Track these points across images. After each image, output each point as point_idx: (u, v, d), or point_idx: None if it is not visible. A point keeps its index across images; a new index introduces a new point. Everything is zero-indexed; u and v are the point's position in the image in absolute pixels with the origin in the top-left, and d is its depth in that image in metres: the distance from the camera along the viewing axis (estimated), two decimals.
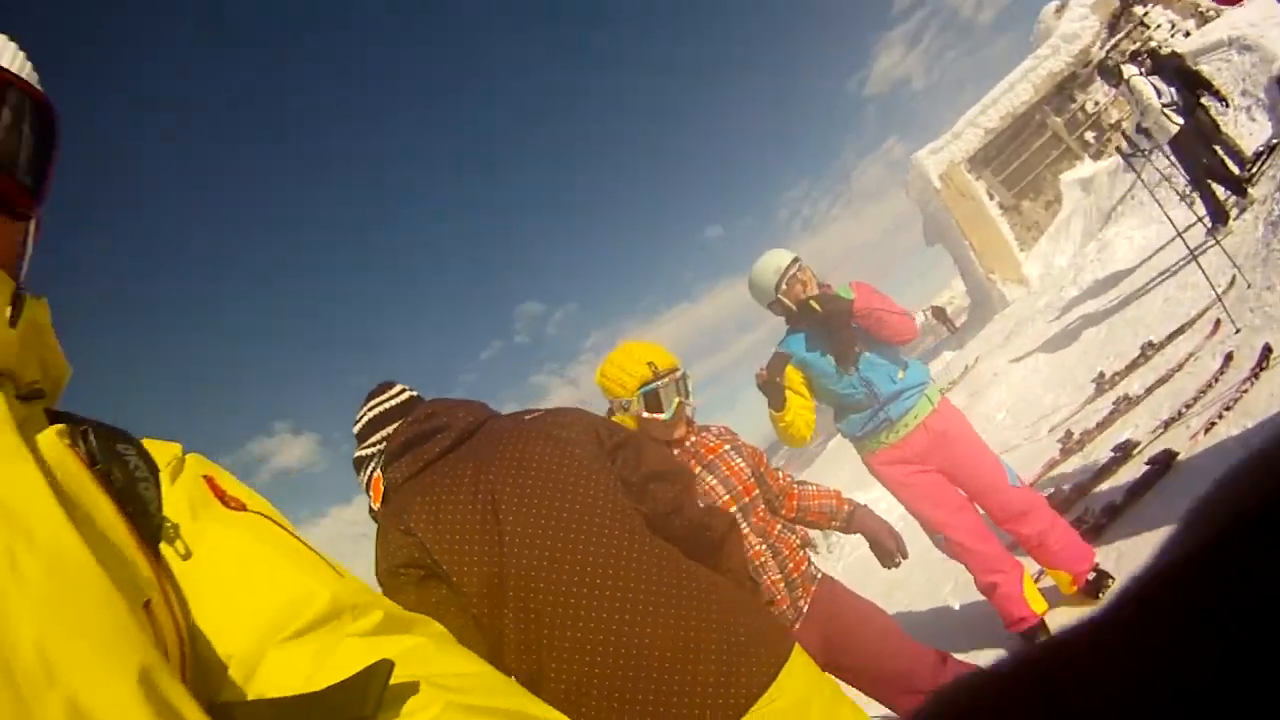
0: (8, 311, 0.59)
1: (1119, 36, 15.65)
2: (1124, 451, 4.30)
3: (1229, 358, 4.42)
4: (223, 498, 0.66)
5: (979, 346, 13.06)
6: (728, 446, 2.22)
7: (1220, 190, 6.92)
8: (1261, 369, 3.89)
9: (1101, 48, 15.62)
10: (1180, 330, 5.68)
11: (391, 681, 0.58)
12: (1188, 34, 15.07)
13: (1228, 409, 3.73)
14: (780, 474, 2.41)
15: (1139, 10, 15.90)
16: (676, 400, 2.14)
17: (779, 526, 2.22)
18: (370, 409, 1.68)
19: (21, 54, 0.69)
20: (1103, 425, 5.19)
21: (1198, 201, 6.87)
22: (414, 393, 1.71)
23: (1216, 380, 4.28)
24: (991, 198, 16.21)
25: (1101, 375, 6.12)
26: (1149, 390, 5.10)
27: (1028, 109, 15.82)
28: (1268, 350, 3.99)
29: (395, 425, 1.59)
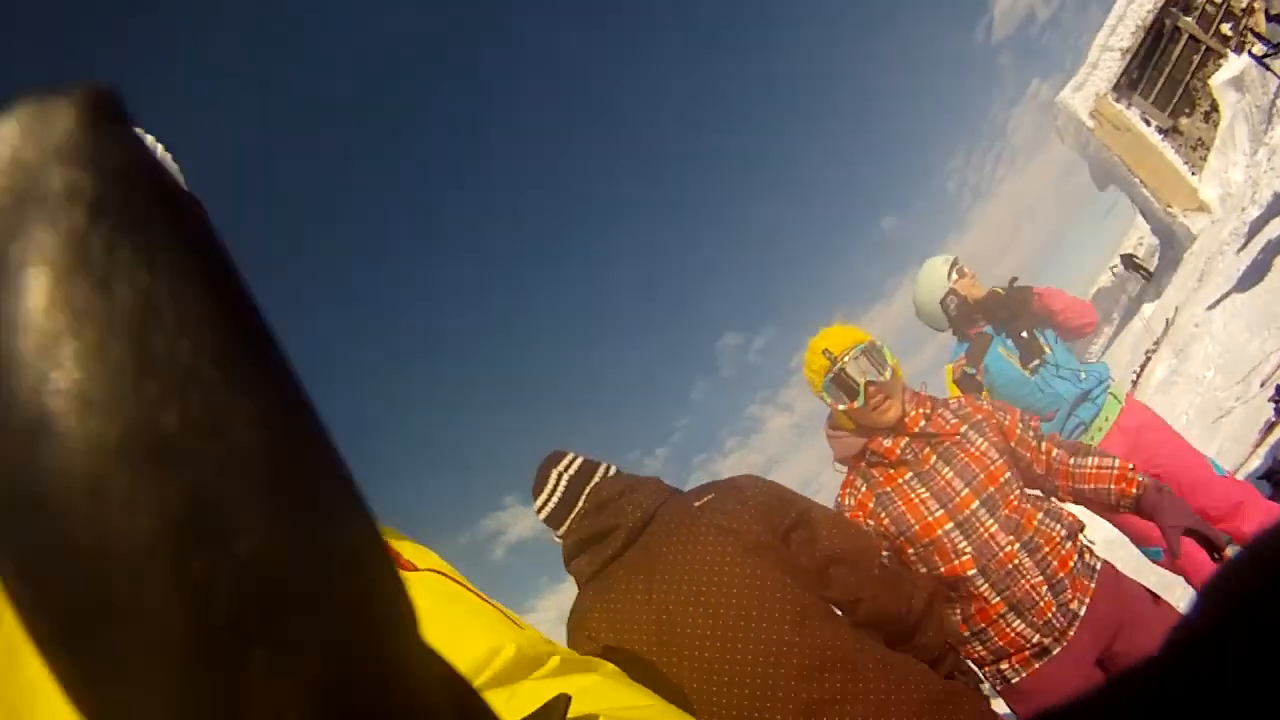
0: None
1: None
2: None
3: None
4: (396, 560, 0.73)
5: (1175, 294, 11.73)
6: (966, 427, 1.94)
7: None
8: None
9: None
10: None
11: (570, 714, 0.62)
12: None
13: None
14: (1045, 445, 1.99)
15: None
16: (863, 381, 1.88)
17: (1039, 516, 1.88)
18: (543, 503, 1.62)
19: (161, 145, 0.77)
20: None
21: None
22: (579, 462, 1.62)
23: None
24: (1148, 123, 14.69)
25: None
26: None
27: (1154, 17, 14.35)
28: None
29: (569, 519, 1.55)
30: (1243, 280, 7.65)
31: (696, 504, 1.46)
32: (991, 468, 1.88)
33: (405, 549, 0.73)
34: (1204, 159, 13.92)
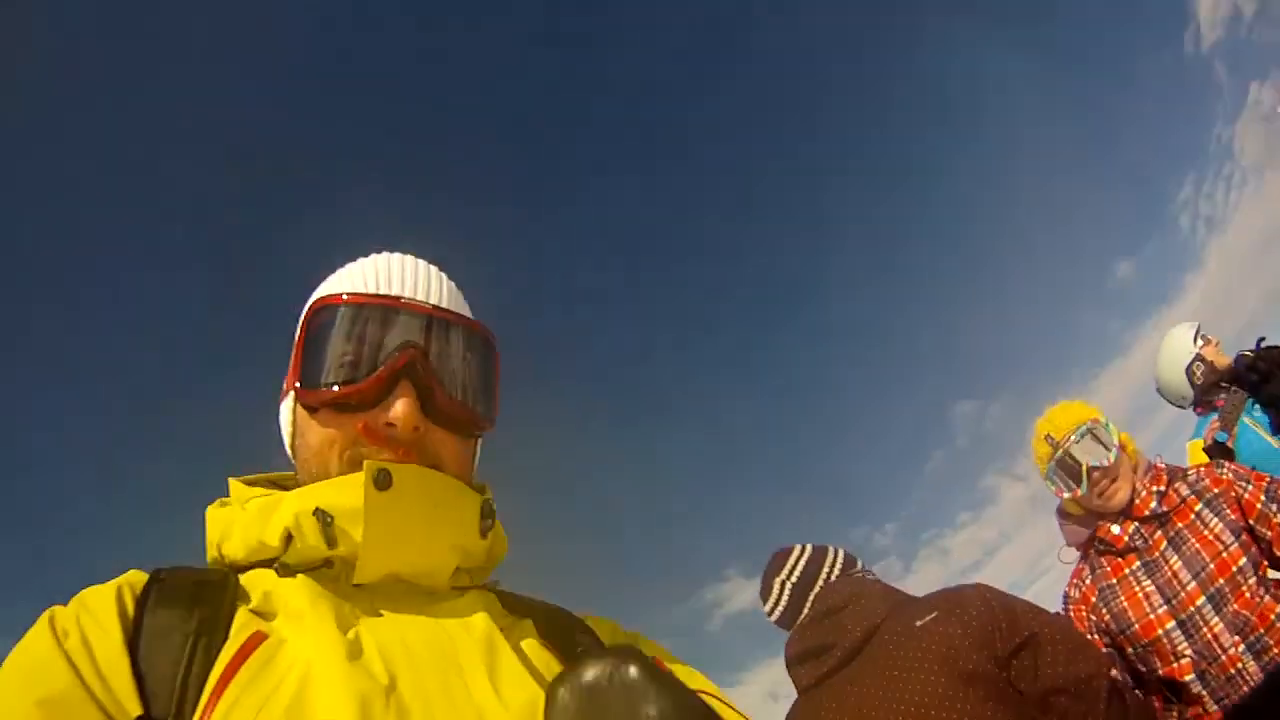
0: (478, 524, 0.72)
1: None
2: None
3: None
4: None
5: None
6: (1202, 504, 1.82)
7: None
8: None
9: None
10: None
11: None
12: None
13: None
14: None
15: None
16: (1085, 466, 1.84)
17: (1278, 610, 1.71)
18: (770, 609, 1.64)
19: (451, 283, 0.79)
20: None
21: None
22: (804, 563, 1.63)
23: None
24: None
25: None
26: None
27: None
28: None
29: (796, 624, 1.57)
30: None
31: (918, 624, 1.40)
32: (1224, 554, 1.76)
33: (678, 670, 0.72)
34: None
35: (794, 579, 1.58)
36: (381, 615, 0.66)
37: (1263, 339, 2.74)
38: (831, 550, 1.60)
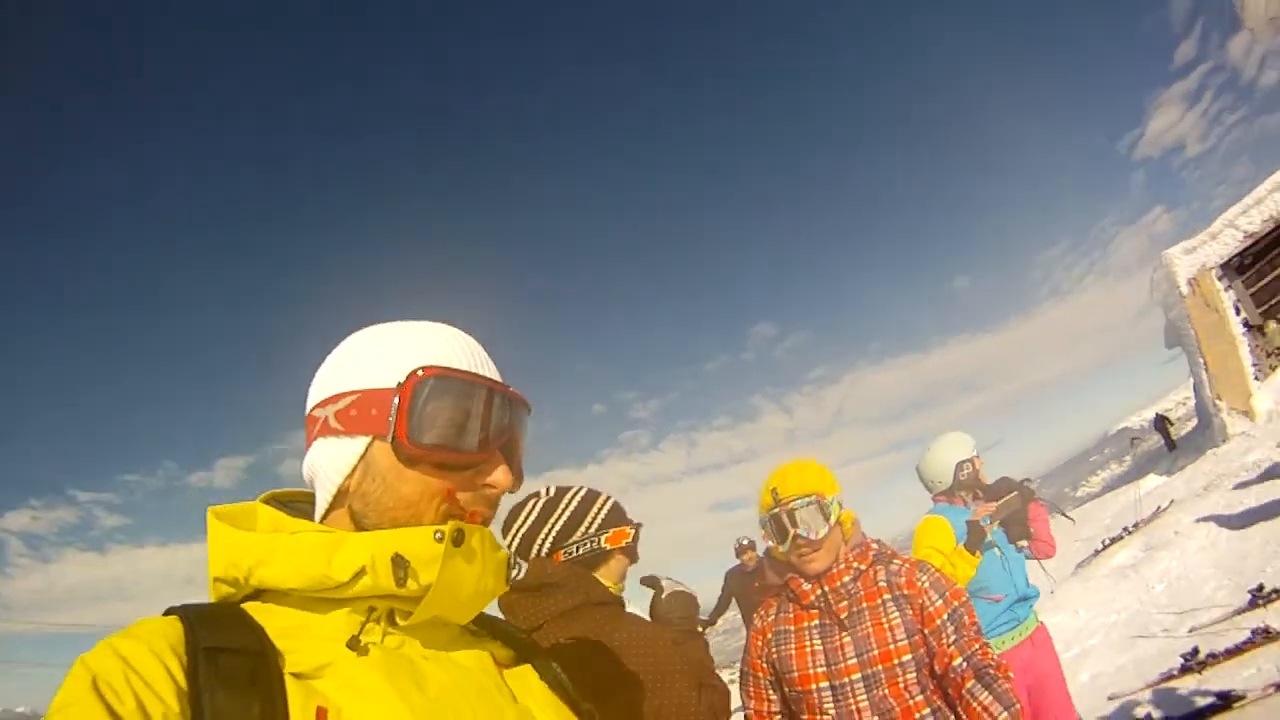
0: (507, 575, 0.82)
1: None
2: (1223, 703, 3.92)
3: None
4: None
5: (1183, 484, 11.75)
6: (890, 597, 1.96)
7: None
8: None
9: None
10: None
11: None
12: None
13: None
14: (954, 651, 1.90)
15: None
16: (793, 533, 1.96)
17: (924, 712, 1.87)
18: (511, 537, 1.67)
19: (483, 351, 0.87)
20: (1232, 653, 4.70)
21: None
22: (536, 501, 1.69)
23: None
24: (1238, 312, 14.40)
25: (1260, 588, 5.45)
26: None
27: None
28: None
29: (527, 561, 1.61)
30: (1242, 515, 7.73)
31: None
32: (891, 646, 1.89)
33: None
34: (1274, 368, 13.67)
35: (518, 536, 1.64)
36: (424, 655, 0.78)
37: (1029, 480, 3.29)
38: (567, 511, 1.64)
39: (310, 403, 0.83)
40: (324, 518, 0.81)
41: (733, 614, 7.89)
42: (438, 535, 0.74)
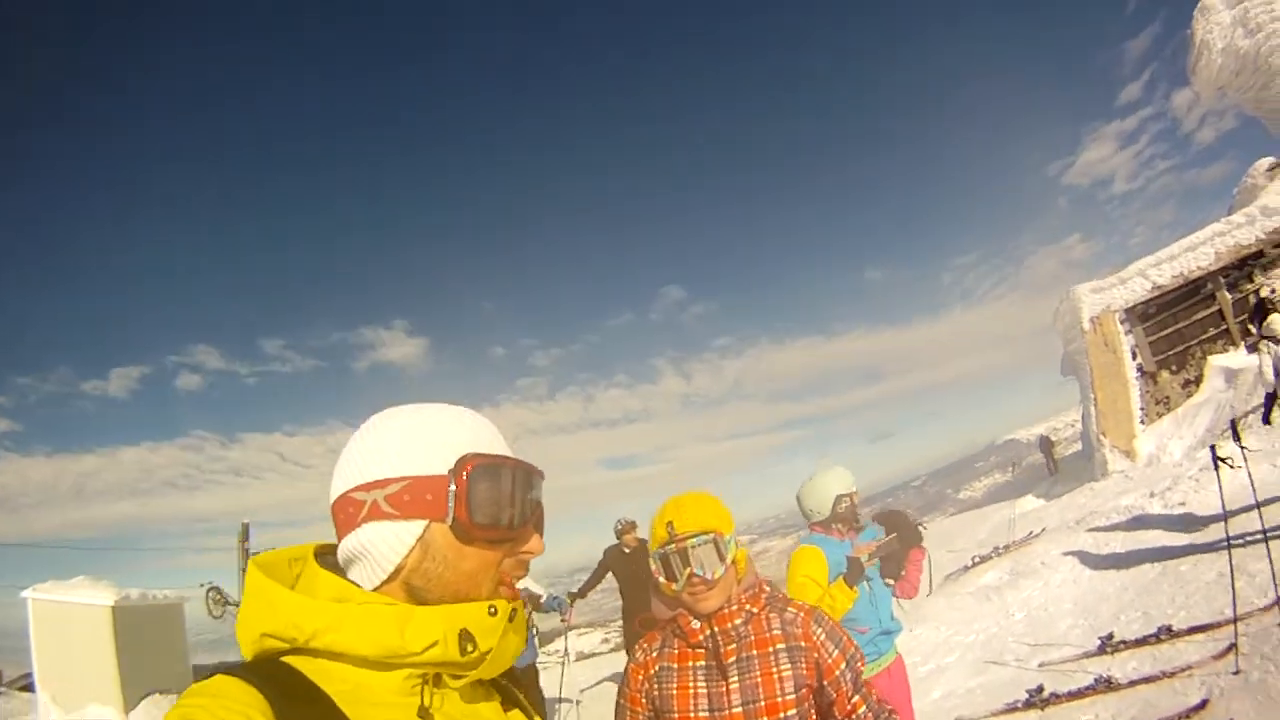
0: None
1: None
2: None
3: (1204, 704, 4.08)
4: None
5: (1057, 512, 12.39)
6: (783, 646, 1.90)
7: None
8: None
9: None
10: (1204, 628, 5.24)
11: None
12: None
13: None
14: (858, 701, 1.91)
15: None
16: (687, 571, 1.88)
17: None
18: None
19: (500, 435, 0.97)
20: (1074, 696, 4.92)
21: None
22: None
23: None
24: (1134, 357, 15.16)
25: (1110, 636, 5.72)
26: (1132, 684, 4.77)
27: (1202, 275, 14.62)
28: None
29: None
30: (1106, 558, 8.13)
31: None
32: (779, 699, 1.83)
33: None
34: (1161, 415, 14.45)
35: None
36: (464, 712, 0.92)
37: (923, 524, 3.40)
38: None
39: (346, 485, 0.90)
40: (377, 588, 0.88)
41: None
42: (492, 610, 0.88)
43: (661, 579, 1.94)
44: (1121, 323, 15.30)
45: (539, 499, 0.96)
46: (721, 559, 1.89)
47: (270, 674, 0.79)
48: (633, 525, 7.53)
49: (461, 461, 0.88)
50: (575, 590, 7.56)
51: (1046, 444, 23.11)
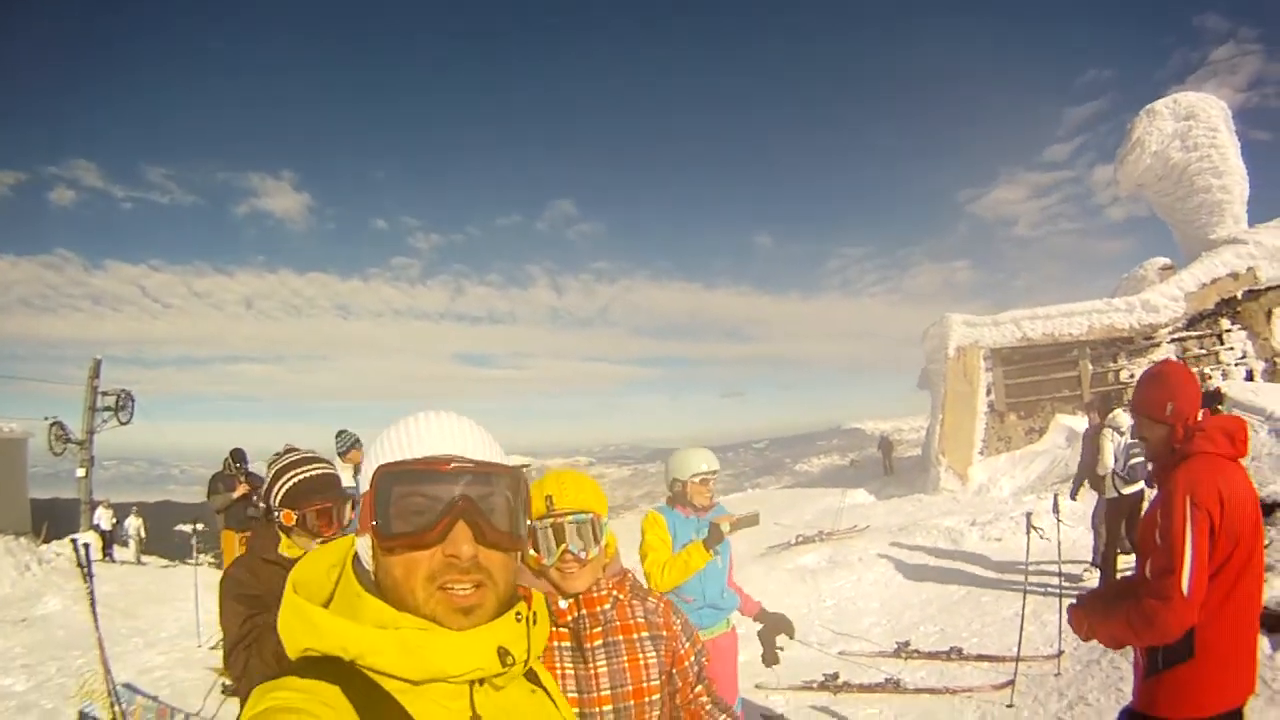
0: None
1: (1191, 335, 15.61)
2: None
3: None
4: None
5: (884, 513, 13.24)
6: (648, 634, 1.94)
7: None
8: None
9: (1171, 338, 15.56)
10: (990, 658, 5.75)
11: None
12: (1251, 375, 14.98)
13: None
14: (700, 691, 2.01)
15: (1224, 323, 15.78)
16: (561, 547, 1.87)
17: None
18: None
19: (484, 432, 1.00)
20: (865, 689, 5.35)
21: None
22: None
23: None
24: (989, 394, 16.24)
25: (907, 643, 6.21)
26: (918, 690, 5.22)
27: (1070, 342, 15.76)
28: None
29: None
30: (919, 569, 8.78)
31: None
32: (645, 684, 1.89)
33: None
34: (999, 451, 15.64)
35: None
36: (500, 705, 0.95)
37: (757, 513, 3.71)
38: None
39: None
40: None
41: None
42: (518, 616, 0.95)
43: (532, 552, 1.91)
44: (985, 359, 16.31)
45: (471, 498, 0.93)
46: (596, 540, 1.90)
47: (339, 671, 0.85)
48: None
49: (375, 475, 0.93)
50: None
51: (886, 444, 24.56)
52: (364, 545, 0.95)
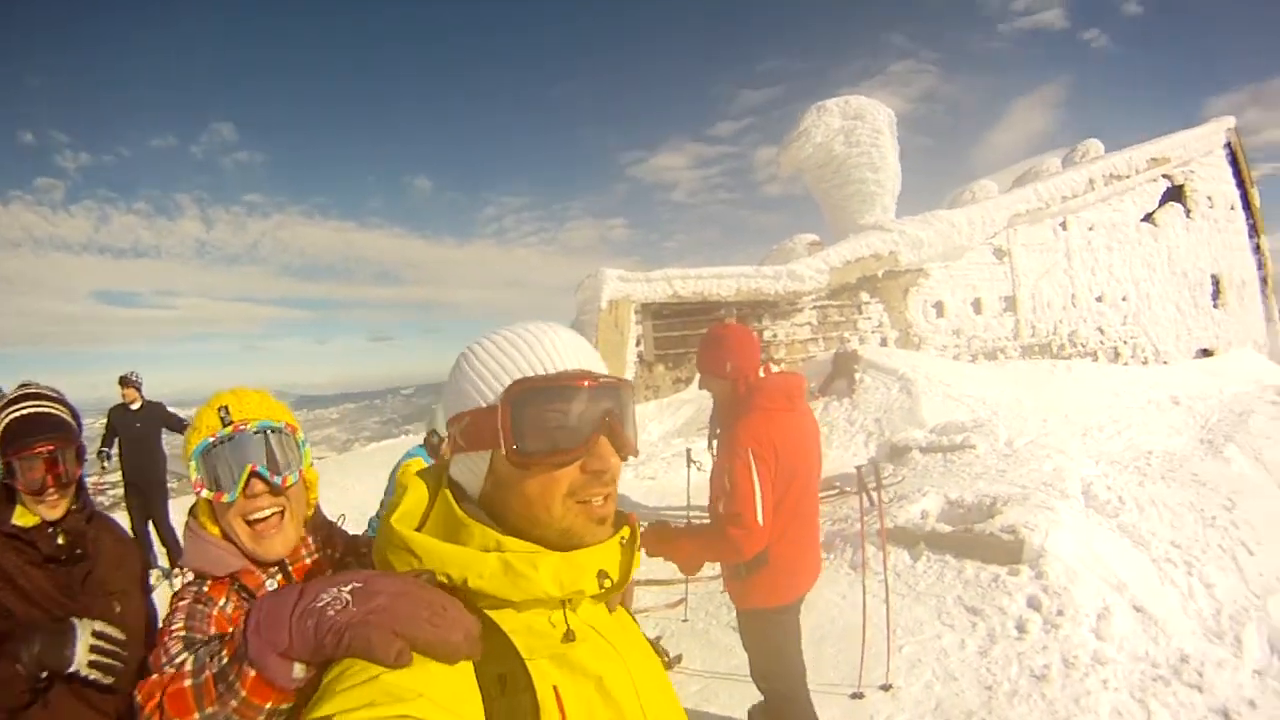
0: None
1: (832, 304, 16.91)
2: None
3: (658, 639, 4.55)
4: None
5: None
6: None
7: None
8: None
9: (814, 305, 16.70)
10: (660, 582, 5.66)
11: None
12: (885, 341, 16.63)
13: None
14: None
15: (864, 295, 17.29)
16: (248, 468, 1.35)
17: None
18: None
19: (575, 341, 0.93)
20: None
21: None
22: None
23: None
24: (638, 344, 16.13)
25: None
26: None
27: (719, 302, 16.21)
28: None
29: None
30: None
31: None
32: None
33: None
34: (649, 399, 15.67)
35: None
36: (592, 626, 0.90)
37: None
38: None
39: (444, 419, 0.96)
40: (469, 514, 0.89)
41: None
42: (622, 540, 0.93)
43: (206, 493, 1.37)
44: (636, 313, 16.26)
45: (612, 410, 0.89)
46: (294, 460, 1.42)
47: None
48: (136, 382, 6.86)
49: (507, 391, 0.88)
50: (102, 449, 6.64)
51: None
52: (471, 466, 0.92)
